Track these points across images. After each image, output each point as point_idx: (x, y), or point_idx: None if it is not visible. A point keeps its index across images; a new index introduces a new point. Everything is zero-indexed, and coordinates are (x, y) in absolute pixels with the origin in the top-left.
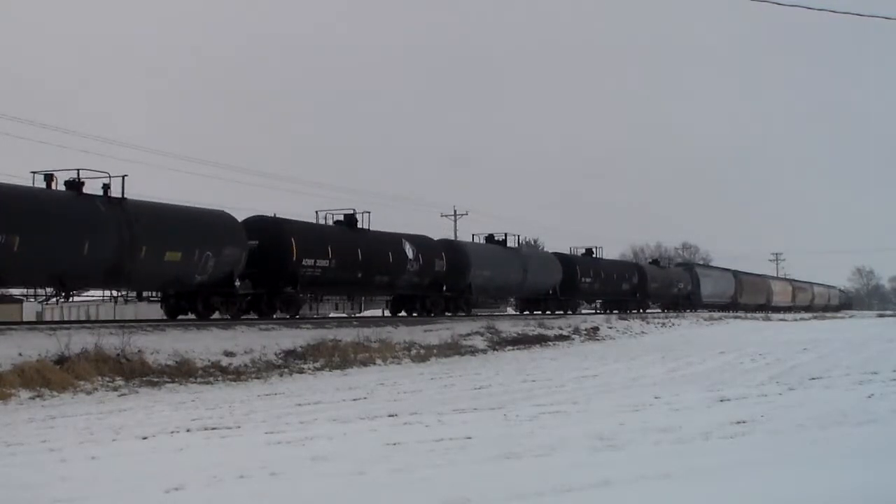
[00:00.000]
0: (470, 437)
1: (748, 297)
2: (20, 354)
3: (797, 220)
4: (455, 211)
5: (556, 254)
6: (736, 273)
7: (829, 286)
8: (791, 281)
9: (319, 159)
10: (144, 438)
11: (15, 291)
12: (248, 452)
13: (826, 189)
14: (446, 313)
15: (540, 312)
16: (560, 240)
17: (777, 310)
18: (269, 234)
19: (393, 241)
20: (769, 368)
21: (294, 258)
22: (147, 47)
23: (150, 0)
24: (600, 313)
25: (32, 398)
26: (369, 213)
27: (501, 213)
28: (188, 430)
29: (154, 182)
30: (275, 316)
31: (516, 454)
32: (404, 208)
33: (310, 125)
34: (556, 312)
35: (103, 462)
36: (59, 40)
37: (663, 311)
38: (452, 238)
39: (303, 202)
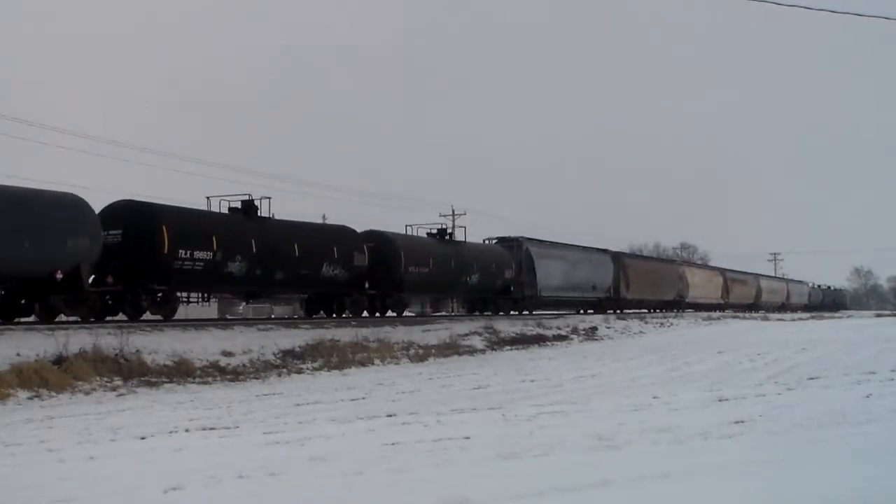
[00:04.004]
0: (468, 437)
1: (640, 289)
2: (18, 355)
3: (796, 220)
4: (453, 210)
5: (125, 202)
6: (618, 256)
7: (790, 280)
8: (723, 270)
9: (318, 159)
10: (143, 439)
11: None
12: (246, 452)
13: (825, 189)
14: None
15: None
16: (561, 241)
17: (697, 308)
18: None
19: None
20: (767, 368)
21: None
22: (138, 48)
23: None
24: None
25: (31, 398)
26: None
27: (500, 213)
28: (186, 431)
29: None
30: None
31: (515, 454)
32: (404, 208)
33: (308, 125)
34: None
35: (102, 462)
36: (51, 39)
37: (471, 314)
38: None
39: (300, 203)
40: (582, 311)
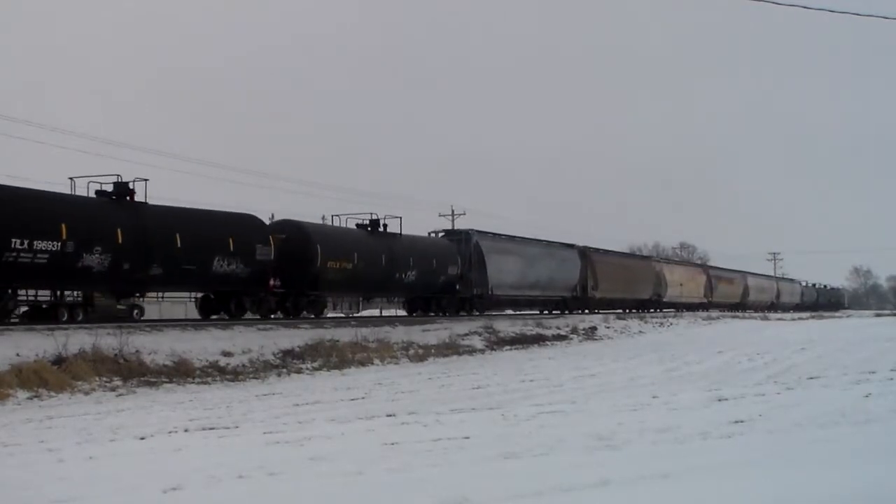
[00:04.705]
0: (468, 437)
1: (611, 287)
2: (18, 355)
3: (795, 220)
4: (453, 210)
5: None
6: (586, 251)
7: (781, 279)
8: (707, 268)
9: (317, 159)
10: (142, 438)
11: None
12: (246, 452)
13: (825, 189)
14: None
15: None
16: (560, 240)
17: (677, 308)
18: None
19: None
20: (767, 368)
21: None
22: (131, 44)
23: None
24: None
25: (30, 398)
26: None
27: (500, 213)
28: (186, 431)
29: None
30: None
31: (514, 454)
32: (404, 208)
33: (308, 126)
34: None
35: (101, 462)
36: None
37: (411, 315)
38: None
39: (301, 203)
40: (546, 312)
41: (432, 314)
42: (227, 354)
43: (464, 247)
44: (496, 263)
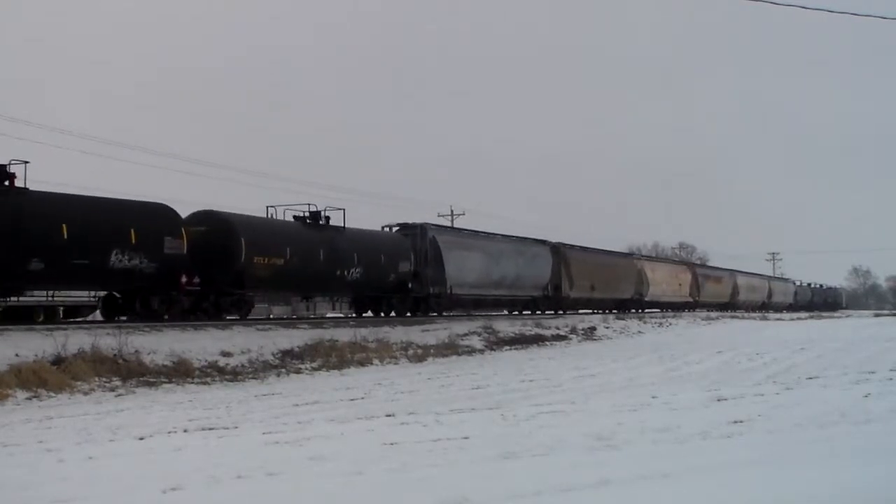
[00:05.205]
0: (468, 437)
1: (588, 287)
2: (17, 355)
3: (795, 220)
4: (452, 210)
5: None
6: (559, 248)
7: (773, 278)
8: (693, 266)
9: (316, 159)
10: (142, 439)
11: None
12: (245, 452)
13: (824, 189)
14: None
15: None
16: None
17: (662, 308)
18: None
19: None
20: (766, 368)
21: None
22: (133, 43)
23: None
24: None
25: (29, 399)
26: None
27: (500, 213)
28: (185, 431)
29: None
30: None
31: (514, 454)
32: (403, 208)
33: (306, 126)
34: None
35: (101, 462)
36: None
37: (360, 316)
38: None
39: (296, 202)
40: (517, 312)
41: (382, 315)
42: (226, 354)
43: (419, 242)
44: (456, 260)
